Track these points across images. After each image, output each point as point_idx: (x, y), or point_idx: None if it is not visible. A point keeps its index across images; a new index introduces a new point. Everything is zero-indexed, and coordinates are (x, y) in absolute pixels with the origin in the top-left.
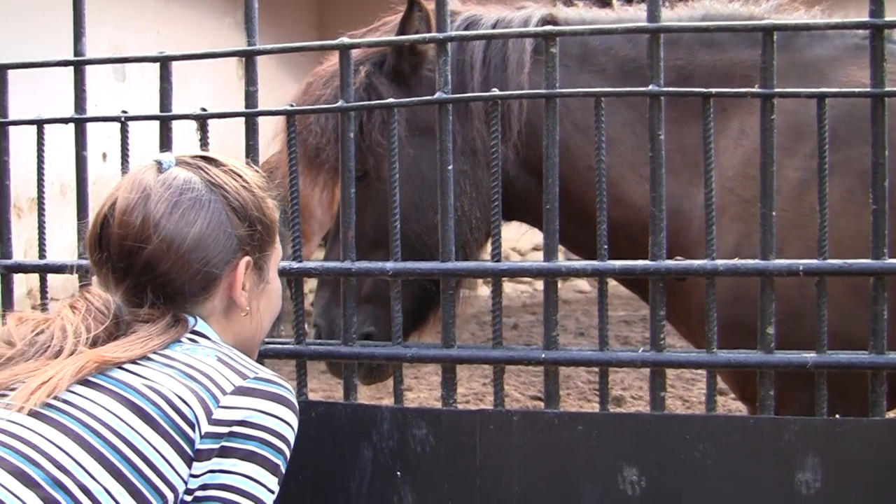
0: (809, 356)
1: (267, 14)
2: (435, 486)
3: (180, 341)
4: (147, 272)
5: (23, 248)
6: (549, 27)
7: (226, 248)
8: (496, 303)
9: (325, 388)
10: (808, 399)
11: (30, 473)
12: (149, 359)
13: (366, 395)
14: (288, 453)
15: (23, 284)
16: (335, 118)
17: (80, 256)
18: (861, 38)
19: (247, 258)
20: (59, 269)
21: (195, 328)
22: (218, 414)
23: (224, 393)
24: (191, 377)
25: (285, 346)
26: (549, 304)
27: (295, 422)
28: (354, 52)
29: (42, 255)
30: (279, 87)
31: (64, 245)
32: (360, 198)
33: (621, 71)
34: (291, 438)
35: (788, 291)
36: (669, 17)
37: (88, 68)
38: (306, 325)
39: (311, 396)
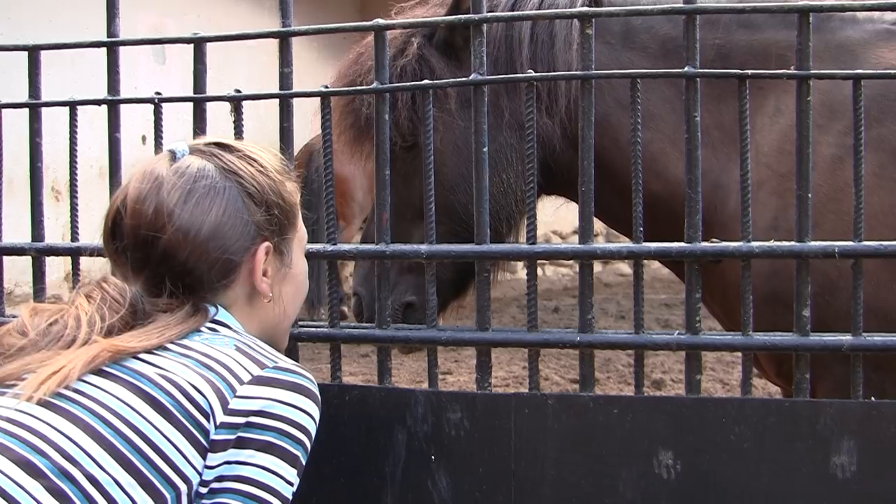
0: (845, 339)
1: None
2: (469, 469)
3: (200, 331)
4: (164, 263)
5: (61, 231)
6: (583, 9)
7: (244, 234)
8: (531, 285)
9: (364, 371)
10: (844, 372)
11: (35, 463)
12: (166, 349)
13: (406, 378)
14: (308, 444)
15: (61, 268)
16: (400, 79)
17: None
18: (891, 23)
19: (266, 243)
20: (93, 252)
21: (216, 317)
22: (234, 404)
23: (241, 383)
24: (207, 367)
25: (319, 329)
26: (585, 286)
27: (316, 412)
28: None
29: (74, 237)
30: (321, 70)
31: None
32: (409, 168)
33: (662, 49)
34: (312, 429)
35: (824, 265)
36: (712, 5)
37: (130, 51)
38: (345, 309)
39: (352, 380)
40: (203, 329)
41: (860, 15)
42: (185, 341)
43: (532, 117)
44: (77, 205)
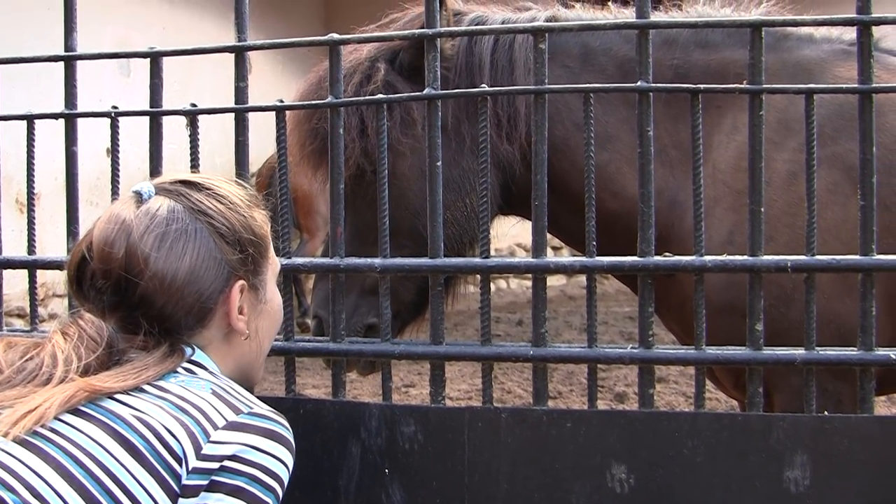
0: (798, 353)
1: (274, 10)
2: (423, 483)
3: (176, 372)
4: (141, 307)
5: (26, 244)
6: (536, 24)
7: (218, 276)
8: (485, 299)
9: (328, 384)
10: (801, 382)
11: (4, 499)
12: (142, 390)
13: (368, 391)
14: (280, 492)
15: (25, 279)
16: (357, 113)
17: (69, 252)
18: (848, 43)
19: (240, 282)
20: (49, 265)
21: (192, 358)
22: (207, 449)
23: (216, 427)
24: (183, 410)
25: (275, 342)
26: (538, 300)
27: (290, 460)
28: (367, 48)
29: (31, 250)
30: (285, 84)
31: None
32: (374, 194)
33: (621, 70)
34: (285, 477)
35: (779, 277)
36: (665, 20)
37: (94, 65)
38: (309, 321)
39: (315, 393)
40: (179, 370)
41: (817, 35)
42: (161, 383)
43: (486, 131)
44: (34, 218)
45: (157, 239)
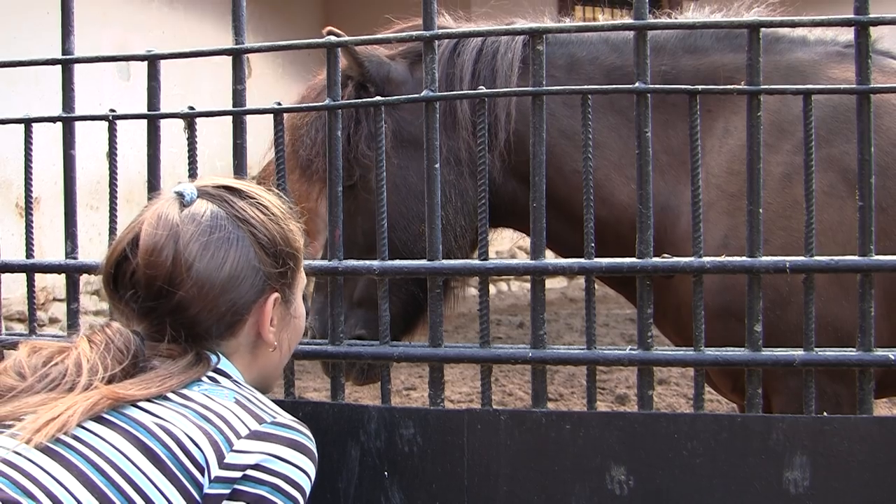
0: (797, 354)
1: (274, 14)
2: (422, 485)
3: (200, 380)
4: (174, 314)
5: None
6: (535, 24)
7: (253, 286)
8: (483, 301)
9: (327, 387)
10: (799, 385)
11: None
12: (166, 398)
13: (368, 394)
14: (302, 502)
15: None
16: (324, 129)
17: (67, 256)
18: (842, 45)
19: (275, 294)
20: (47, 268)
21: (217, 366)
22: (230, 458)
23: (239, 437)
24: (206, 419)
25: None
26: (537, 302)
27: (312, 470)
28: (342, 63)
29: (30, 254)
30: (285, 87)
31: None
32: (349, 208)
33: (608, 79)
34: (307, 487)
35: (775, 279)
36: (662, 21)
37: (94, 68)
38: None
39: (316, 396)
40: (203, 378)
41: (811, 37)
42: (185, 391)
43: (483, 133)
44: (32, 221)
45: (201, 247)
